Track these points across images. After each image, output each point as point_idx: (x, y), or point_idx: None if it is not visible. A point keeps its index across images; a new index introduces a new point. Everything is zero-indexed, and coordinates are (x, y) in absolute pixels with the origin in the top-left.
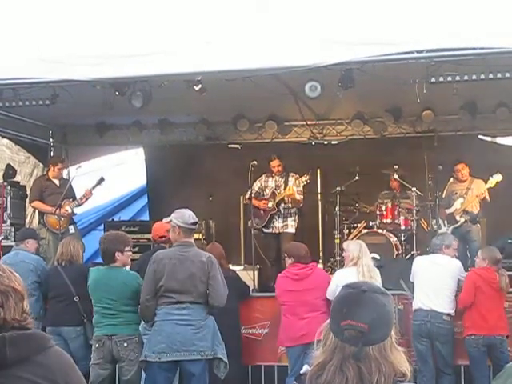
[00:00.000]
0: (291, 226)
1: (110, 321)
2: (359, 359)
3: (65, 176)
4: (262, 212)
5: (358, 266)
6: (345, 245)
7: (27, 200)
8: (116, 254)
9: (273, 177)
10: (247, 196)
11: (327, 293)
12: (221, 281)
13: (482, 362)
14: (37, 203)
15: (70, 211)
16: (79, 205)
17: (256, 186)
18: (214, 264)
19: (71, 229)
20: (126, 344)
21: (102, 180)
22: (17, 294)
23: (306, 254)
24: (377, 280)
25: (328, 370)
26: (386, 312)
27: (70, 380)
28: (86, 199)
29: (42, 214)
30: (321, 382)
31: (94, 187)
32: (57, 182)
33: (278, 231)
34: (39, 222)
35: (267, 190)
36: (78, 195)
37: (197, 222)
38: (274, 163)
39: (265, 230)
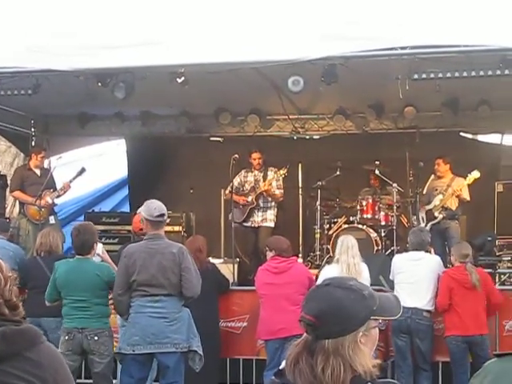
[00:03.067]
0: (270, 220)
1: (81, 313)
2: (312, 351)
3: (46, 166)
4: (241, 206)
5: (338, 264)
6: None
7: (7, 189)
8: (94, 245)
9: (252, 171)
10: (227, 191)
11: None
12: (194, 271)
13: (462, 358)
14: (17, 193)
15: (50, 202)
16: (59, 196)
17: (235, 181)
18: (185, 255)
19: (51, 219)
20: (96, 338)
21: (82, 171)
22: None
23: (287, 248)
24: (362, 276)
25: (289, 361)
26: (341, 306)
27: (59, 377)
28: (65, 192)
29: (22, 204)
30: (290, 373)
31: (74, 178)
32: (38, 171)
33: (256, 225)
34: (19, 212)
35: (247, 185)
36: (59, 186)
37: (163, 215)
38: (255, 155)
39: (244, 224)
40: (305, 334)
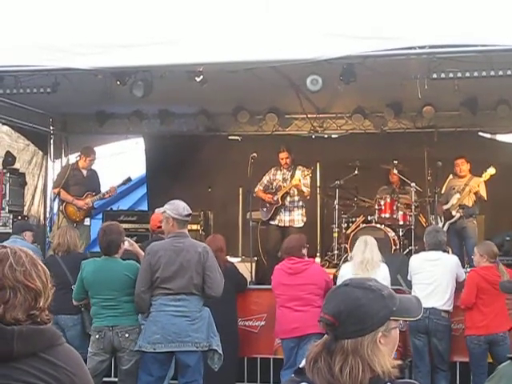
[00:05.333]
0: (298, 220)
1: (110, 312)
2: (331, 351)
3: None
4: (267, 205)
5: (351, 261)
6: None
7: (26, 187)
8: (121, 245)
9: (281, 170)
10: (257, 188)
11: None
12: (217, 271)
13: (481, 359)
14: (58, 190)
15: (90, 204)
16: (102, 199)
17: (265, 179)
18: (209, 254)
19: (87, 221)
20: (127, 335)
21: (128, 180)
22: (29, 290)
23: (294, 246)
24: (377, 274)
25: (308, 360)
26: (359, 306)
27: (78, 380)
28: (110, 195)
29: (61, 201)
30: (309, 372)
31: (120, 185)
32: (84, 172)
33: (283, 224)
34: (58, 209)
35: (275, 183)
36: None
37: (190, 214)
38: (283, 155)
39: (270, 223)
40: (325, 335)
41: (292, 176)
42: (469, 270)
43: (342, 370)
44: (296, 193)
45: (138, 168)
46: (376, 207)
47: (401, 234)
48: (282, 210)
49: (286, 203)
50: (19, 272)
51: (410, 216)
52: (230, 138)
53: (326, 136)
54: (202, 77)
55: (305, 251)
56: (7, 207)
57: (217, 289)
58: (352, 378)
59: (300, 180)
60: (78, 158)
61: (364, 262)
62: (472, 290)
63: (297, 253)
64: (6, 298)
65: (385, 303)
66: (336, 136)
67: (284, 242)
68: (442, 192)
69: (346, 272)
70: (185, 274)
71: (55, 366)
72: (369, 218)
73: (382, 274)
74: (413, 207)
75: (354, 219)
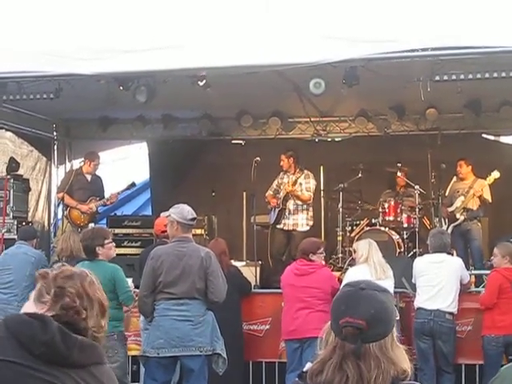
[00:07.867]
0: (302, 224)
1: None
2: (359, 356)
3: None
4: (273, 209)
5: (369, 263)
6: (354, 246)
7: (30, 193)
8: (97, 249)
9: (288, 174)
10: (267, 193)
11: None
12: (220, 276)
13: (497, 361)
14: (62, 195)
15: (94, 209)
16: (104, 205)
17: (274, 183)
18: (212, 259)
19: (91, 226)
20: None
21: (132, 185)
22: (101, 307)
23: (304, 248)
24: (389, 275)
25: (328, 367)
26: (385, 309)
27: None
28: (111, 202)
29: (66, 206)
30: (321, 380)
31: (122, 191)
32: (89, 177)
33: (287, 228)
34: (62, 214)
35: (282, 187)
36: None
37: (195, 218)
38: (281, 157)
39: (277, 226)
40: (331, 339)
41: (296, 179)
42: (473, 271)
43: (377, 375)
44: (294, 197)
45: (141, 173)
46: (380, 210)
47: (405, 236)
48: (286, 214)
49: (290, 206)
50: (98, 289)
51: (414, 218)
52: (233, 142)
53: (329, 139)
54: (204, 81)
55: (317, 257)
56: (11, 213)
57: (219, 294)
58: (384, 379)
59: (297, 185)
60: (83, 163)
61: (381, 264)
62: (494, 290)
63: (307, 256)
64: (84, 307)
65: (393, 303)
66: (339, 139)
67: (299, 244)
68: (446, 194)
69: (361, 275)
70: (187, 278)
71: (99, 382)
72: (373, 220)
73: (390, 274)
74: (417, 210)
75: (358, 222)
